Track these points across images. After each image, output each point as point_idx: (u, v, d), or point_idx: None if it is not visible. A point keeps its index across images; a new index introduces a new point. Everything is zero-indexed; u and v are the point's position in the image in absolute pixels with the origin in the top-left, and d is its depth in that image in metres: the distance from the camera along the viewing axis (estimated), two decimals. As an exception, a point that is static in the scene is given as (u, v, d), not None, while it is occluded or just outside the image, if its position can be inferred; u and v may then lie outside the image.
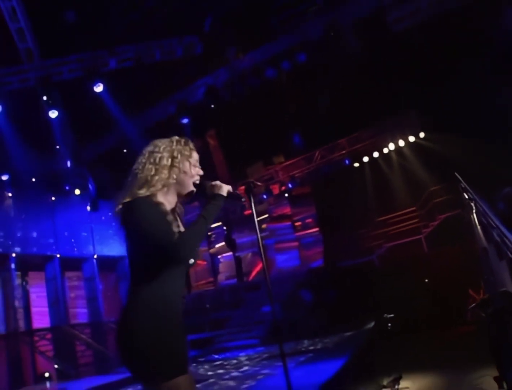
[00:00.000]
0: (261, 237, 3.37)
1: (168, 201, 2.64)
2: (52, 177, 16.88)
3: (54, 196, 17.34)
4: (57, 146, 15.60)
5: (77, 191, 16.98)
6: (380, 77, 15.28)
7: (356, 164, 18.70)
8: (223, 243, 21.16)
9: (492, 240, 4.87)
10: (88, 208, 17.71)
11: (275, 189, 20.14)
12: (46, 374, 15.30)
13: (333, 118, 17.34)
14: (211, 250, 22.46)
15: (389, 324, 11.46)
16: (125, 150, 17.56)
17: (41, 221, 16.83)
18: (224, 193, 2.67)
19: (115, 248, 18.50)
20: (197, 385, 5.91)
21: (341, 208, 18.35)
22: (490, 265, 5.04)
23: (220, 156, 20.46)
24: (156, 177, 2.60)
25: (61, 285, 17.16)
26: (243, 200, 2.69)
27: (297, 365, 8.87)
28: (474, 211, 5.07)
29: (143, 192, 2.54)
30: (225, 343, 15.14)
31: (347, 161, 18.63)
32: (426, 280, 14.91)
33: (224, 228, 20.65)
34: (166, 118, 16.53)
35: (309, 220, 20.67)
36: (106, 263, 18.12)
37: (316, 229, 20.33)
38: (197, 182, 2.71)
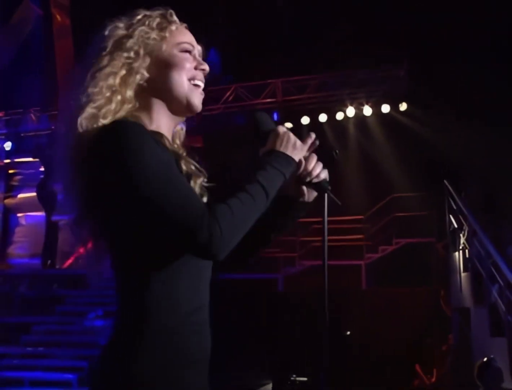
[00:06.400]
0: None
1: (162, 128, 1.50)
2: None
3: None
4: None
5: None
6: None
7: (289, 125, 11.80)
8: (32, 194, 12.73)
9: (487, 301, 3.99)
10: None
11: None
12: None
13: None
14: (7, 201, 13.94)
15: (297, 393, 8.51)
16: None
17: None
18: (298, 157, 1.48)
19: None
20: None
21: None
22: (474, 339, 4.19)
23: (69, 43, 12.04)
24: (119, 95, 1.41)
25: None
26: (329, 188, 1.46)
27: None
28: (461, 246, 4.42)
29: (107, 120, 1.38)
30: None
31: (275, 116, 12.49)
32: (348, 333, 9.97)
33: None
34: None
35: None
36: None
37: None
38: (200, 83, 1.49)
